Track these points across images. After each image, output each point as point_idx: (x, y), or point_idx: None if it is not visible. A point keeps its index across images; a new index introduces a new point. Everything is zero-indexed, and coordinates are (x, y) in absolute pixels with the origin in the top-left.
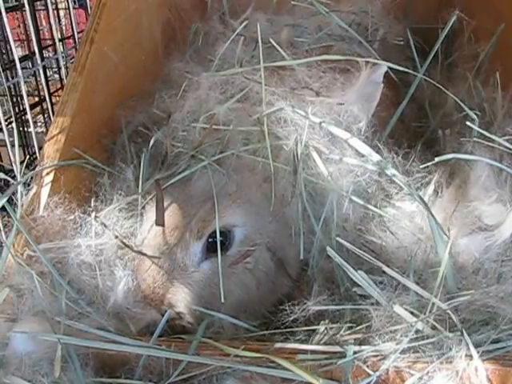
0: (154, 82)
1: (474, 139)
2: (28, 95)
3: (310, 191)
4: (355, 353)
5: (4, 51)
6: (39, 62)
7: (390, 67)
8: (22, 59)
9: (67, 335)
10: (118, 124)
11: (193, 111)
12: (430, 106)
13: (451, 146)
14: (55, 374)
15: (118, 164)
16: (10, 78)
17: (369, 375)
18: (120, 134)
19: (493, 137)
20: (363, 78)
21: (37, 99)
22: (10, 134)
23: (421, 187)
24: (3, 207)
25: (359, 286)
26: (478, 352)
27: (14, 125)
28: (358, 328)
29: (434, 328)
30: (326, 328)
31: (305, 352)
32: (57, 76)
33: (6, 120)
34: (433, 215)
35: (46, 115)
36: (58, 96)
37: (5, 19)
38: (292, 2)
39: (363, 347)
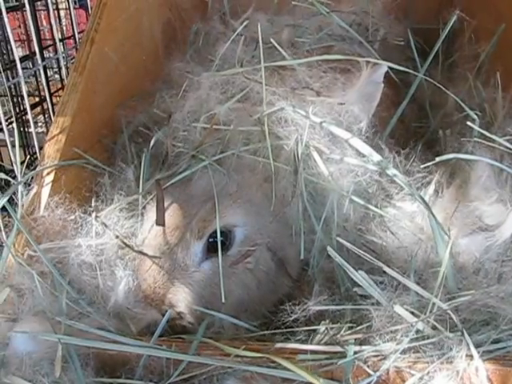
0: (155, 82)
1: (475, 139)
2: (28, 95)
3: (310, 191)
4: (356, 353)
5: (4, 51)
6: (40, 62)
7: (390, 67)
8: (22, 59)
9: (68, 335)
10: (118, 124)
11: (193, 111)
12: (431, 106)
13: (452, 146)
14: (56, 374)
15: (119, 164)
16: (10, 78)
17: (369, 375)
18: (120, 134)
19: (493, 137)
20: (364, 78)
21: (37, 99)
22: (11, 134)
23: (421, 187)
24: (4, 207)
25: (360, 286)
26: (478, 352)
27: (14, 125)
28: (359, 328)
29: (434, 328)
30: (326, 328)
31: (305, 352)
32: (57, 76)
33: (6, 120)
34: (434, 215)
35: (46, 115)
36: (59, 96)
37: (5, 19)
38: (293, 3)
39: (364, 347)
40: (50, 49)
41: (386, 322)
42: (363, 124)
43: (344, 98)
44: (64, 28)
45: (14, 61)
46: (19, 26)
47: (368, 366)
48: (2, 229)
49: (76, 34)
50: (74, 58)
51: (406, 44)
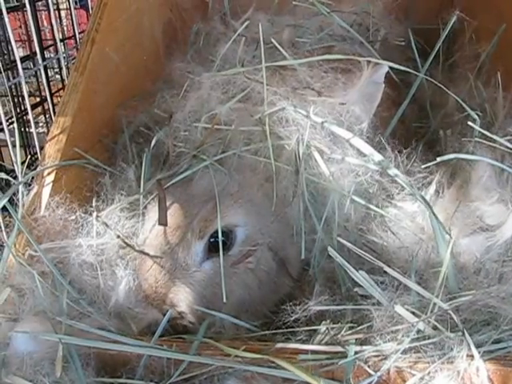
0: (156, 82)
1: (476, 139)
2: (29, 95)
3: (311, 191)
4: (356, 353)
5: (5, 51)
6: (40, 62)
7: (391, 67)
8: (23, 59)
9: (68, 335)
10: (119, 124)
11: (194, 111)
12: (431, 107)
13: (452, 146)
14: (56, 374)
15: (120, 164)
16: (11, 79)
17: (370, 375)
18: (121, 134)
19: (494, 137)
20: (365, 78)
21: (38, 99)
22: (12, 134)
23: (422, 187)
24: (4, 207)
25: (360, 286)
26: (479, 352)
27: (15, 125)
28: (360, 328)
29: (435, 328)
30: (327, 328)
31: (306, 352)
32: (58, 76)
33: (7, 120)
34: (435, 215)
35: (47, 115)
36: (60, 96)
37: (6, 19)
38: (293, 3)
39: (364, 347)
40: (51, 49)
41: (387, 322)
42: (364, 124)
43: (345, 98)
44: (65, 28)
45: (15, 61)
46: (20, 27)
47: (369, 366)
48: (3, 229)
49: (77, 34)
50: (74, 58)
51: (407, 44)
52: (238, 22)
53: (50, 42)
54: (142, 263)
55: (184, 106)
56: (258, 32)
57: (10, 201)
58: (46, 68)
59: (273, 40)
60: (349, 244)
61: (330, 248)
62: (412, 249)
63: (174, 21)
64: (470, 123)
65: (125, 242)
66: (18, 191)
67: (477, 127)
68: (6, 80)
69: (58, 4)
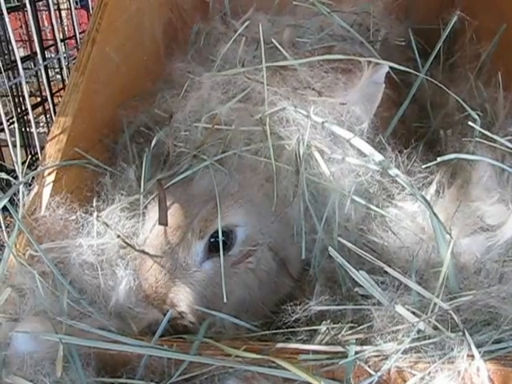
0: (156, 82)
1: (476, 139)
2: (30, 95)
3: (312, 191)
4: (357, 353)
5: (6, 51)
6: (41, 62)
7: (391, 67)
8: (23, 59)
9: (69, 335)
10: (119, 124)
11: (195, 111)
12: (432, 107)
13: (453, 146)
14: (57, 374)
15: (120, 164)
16: (11, 79)
17: (370, 375)
18: (122, 134)
19: (495, 137)
20: (365, 78)
21: (39, 99)
22: (12, 134)
23: (422, 187)
24: (5, 207)
25: (361, 286)
26: (479, 352)
27: (15, 125)
28: (360, 328)
29: (435, 328)
30: (327, 328)
31: (306, 352)
32: (59, 76)
33: (8, 120)
34: (435, 215)
35: (47, 115)
36: (60, 96)
37: (7, 19)
38: (294, 3)
39: (365, 347)
40: (52, 49)
41: (388, 322)
42: (365, 124)
43: (345, 98)
44: (65, 28)
45: (16, 61)
46: (21, 27)
47: (369, 366)
48: (4, 229)
49: (77, 34)
50: (75, 58)
51: (407, 44)
52: (239, 22)
53: (50, 42)
54: (143, 263)
55: (184, 105)
56: (259, 32)
57: (11, 201)
58: (46, 68)
59: (273, 40)
60: (349, 244)
61: (330, 248)
62: (412, 249)
63: (174, 21)
64: (470, 123)
65: (125, 242)
66: (18, 191)
67: (477, 127)
68: (6, 80)
69: (58, 4)
